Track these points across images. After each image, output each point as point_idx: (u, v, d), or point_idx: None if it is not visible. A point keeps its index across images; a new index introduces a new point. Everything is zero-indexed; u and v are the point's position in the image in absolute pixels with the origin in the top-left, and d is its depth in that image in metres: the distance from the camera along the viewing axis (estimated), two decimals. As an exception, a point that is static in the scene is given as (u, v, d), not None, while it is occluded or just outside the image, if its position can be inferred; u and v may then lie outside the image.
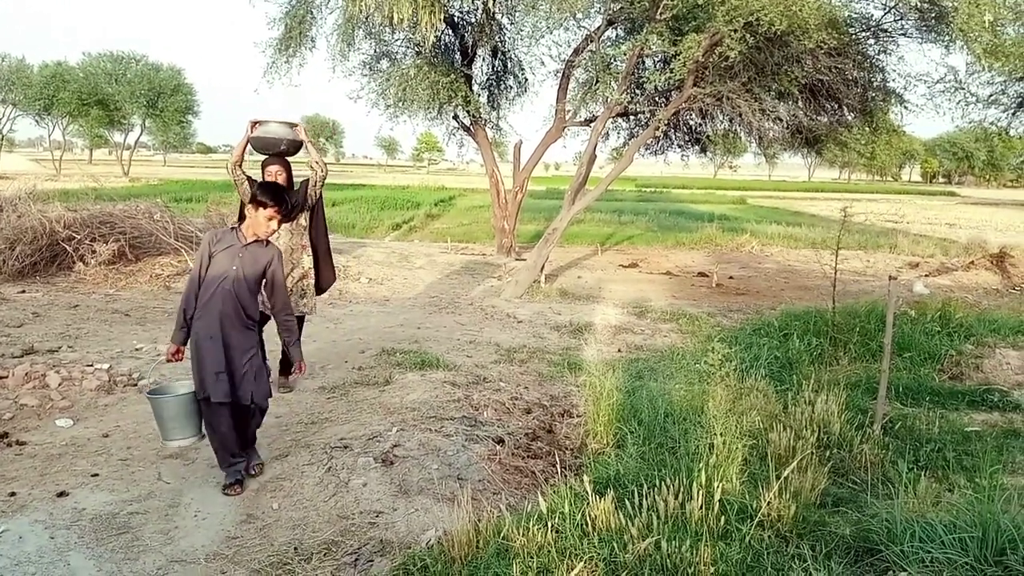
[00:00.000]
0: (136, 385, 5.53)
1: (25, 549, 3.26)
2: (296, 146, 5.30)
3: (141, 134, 52.11)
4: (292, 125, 5.32)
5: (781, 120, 10.02)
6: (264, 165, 5.28)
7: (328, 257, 5.72)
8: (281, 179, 5.18)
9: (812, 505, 3.56)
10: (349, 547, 3.32)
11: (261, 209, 3.81)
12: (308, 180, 5.49)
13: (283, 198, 3.87)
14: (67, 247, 9.76)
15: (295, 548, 3.32)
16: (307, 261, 5.54)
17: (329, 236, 5.85)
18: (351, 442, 4.44)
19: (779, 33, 8.00)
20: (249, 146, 5.29)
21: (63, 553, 3.24)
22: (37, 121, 50.64)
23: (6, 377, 5.40)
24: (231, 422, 3.87)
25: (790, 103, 10.01)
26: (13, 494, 3.77)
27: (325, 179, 5.52)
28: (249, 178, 5.18)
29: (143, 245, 10.10)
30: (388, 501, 3.74)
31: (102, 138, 55.12)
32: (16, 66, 46.93)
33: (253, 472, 4.05)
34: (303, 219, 5.49)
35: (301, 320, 5.43)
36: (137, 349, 6.40)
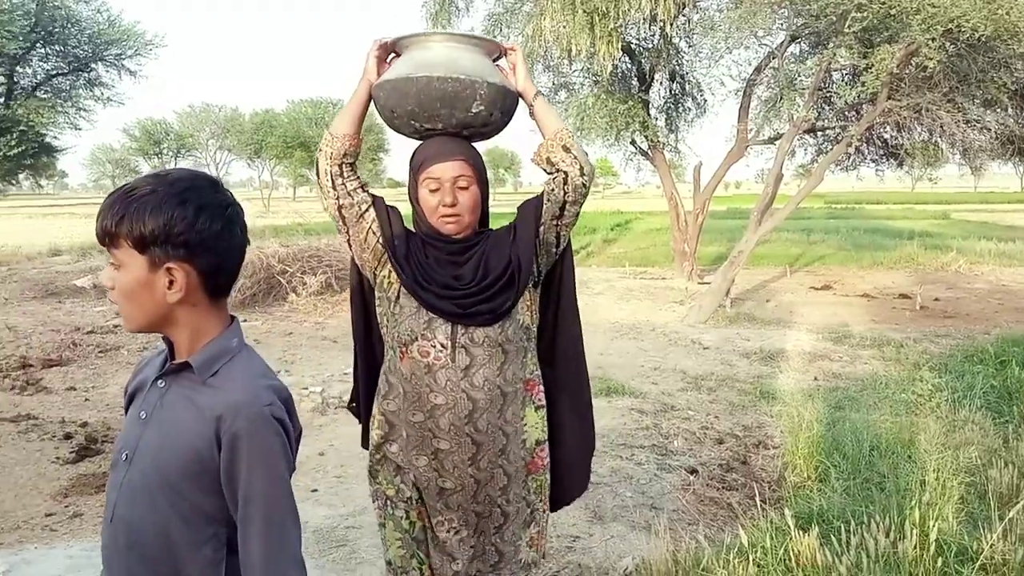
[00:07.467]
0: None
1: (263, 556, 3.64)
2: (504, 106, 2.01)
3: (338, 172, 56.03)
4: (491, 51, 2.05)
5: (989, 130, 9.26)
6: (418, 164, 1.98)
7: (588, 407, 2.25)
8: (465, 203, 1.95)
9: (1043, 550, 3.28)
10: (548, 569, 3.43)
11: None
12: (539, 199, 2.04)
13: None
14: (281, 280, 10.76)
15: (498, 568, 3.48)
16: (534, 423, 2.08)
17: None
18: (545, 467, 4.58)
19: (983, 39, 7.44)
20: (380, 107, 2.03)
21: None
22: (249, 164, 56.04)
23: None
24: None
25: (999, 111, 9.25)
26: (248, 506, 4.23)
27: (587, 191, 2.02)
28: (376, 200, 2.05)
29: (347, 277, 10.92)
30: (584, 526, 3.84)
31: (304, 177, 59.89)
32: (230, 115, 52.27)
33: None
34: (528, 309, 2.05)
35: None
36: (345, 373, 6.94)
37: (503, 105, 2.01)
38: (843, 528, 3.03)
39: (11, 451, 4.85)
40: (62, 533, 3.79)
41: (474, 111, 1.95)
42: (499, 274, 1.95)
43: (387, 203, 2.06)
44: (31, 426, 5.31)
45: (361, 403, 2.25)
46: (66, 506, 4.10)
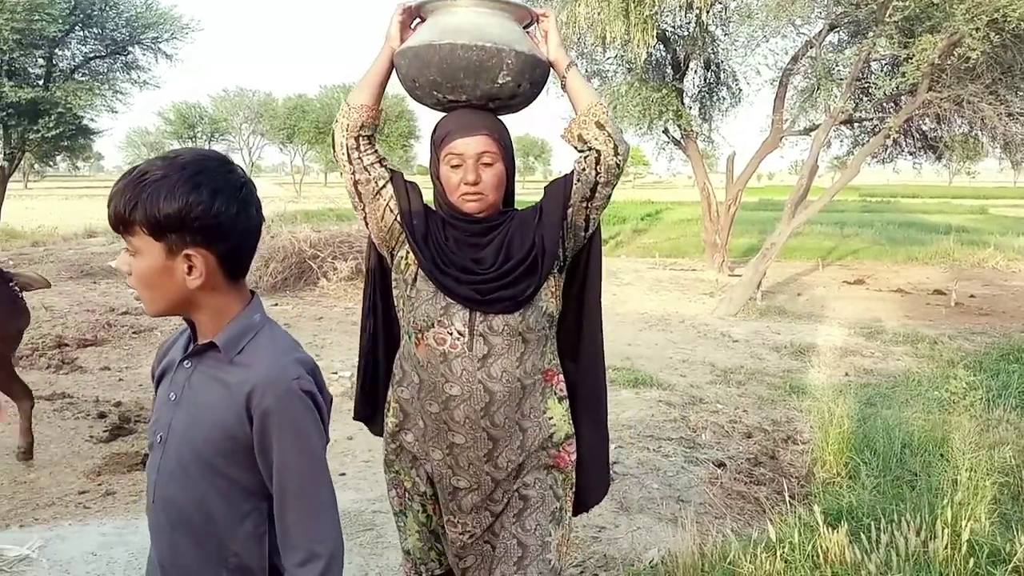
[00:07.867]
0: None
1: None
2: (533, 77, 1.83)
3: (369, 158, 56.22)
4: (522, 17, 1.87)
5: (1033, 123, 9.05)
6: (440, 139, 1.83)
7: (602, 403, 2.03)
8: (488, 181, 1.79)
9: (1079, 554, 3.21)
10: (573, 559, 3.43)
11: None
12: (569, 178, 1.86)
13: None
14: (312, 264, 10.85)
15: (523, 556, 3.48)
16: (561, 415, 1.91)
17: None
18: (571, 457, 4.57)
19: (1030, 29, 7.27)
20: (401, 76, 1.86)
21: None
22: (281, 149, 56.36)
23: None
24: None
25: (1044, 103, 9.02)
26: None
27: (620, 172, 1.83)
28: (394, 176, 1.89)
29: (376, 263, 11.02)
30: (610, 516, 3.83)
31: (336, 162, 60.21)
32: (264, 100, 52.55)
33: None
34: (552, 296, 1.87)
35: None
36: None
37: (532, 76, 1.83)
38: (873, 526, 2.99)
39: (46, 429, 4.94)
40: (95, 511, 3.85)
41: (500, 82, 1.78)
42: (521, 258, 1.80)
43: (407, 179, 1.91)
44: (66, 404, 5.41)
45: (378, 388, 2.09)
46: (99, 484, 4.16)
